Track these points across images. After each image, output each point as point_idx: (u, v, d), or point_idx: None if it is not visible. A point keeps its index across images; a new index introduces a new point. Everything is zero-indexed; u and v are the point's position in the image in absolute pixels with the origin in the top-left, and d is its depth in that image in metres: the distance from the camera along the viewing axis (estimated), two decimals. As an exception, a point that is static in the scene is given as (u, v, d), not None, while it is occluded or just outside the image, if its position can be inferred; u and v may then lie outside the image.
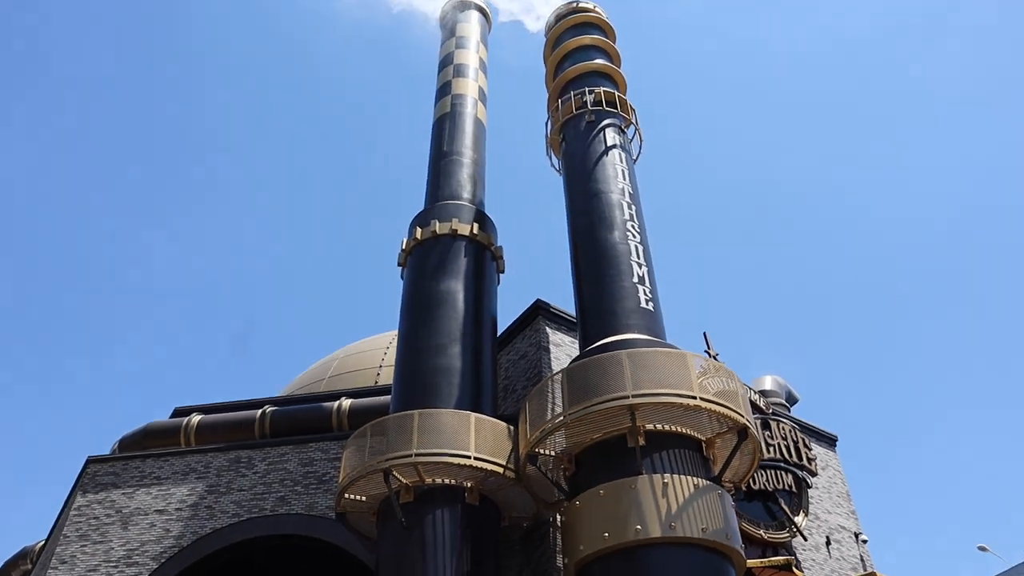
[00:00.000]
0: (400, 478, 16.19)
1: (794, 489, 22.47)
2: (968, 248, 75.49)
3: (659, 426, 15.13)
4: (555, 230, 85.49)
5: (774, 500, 21.86)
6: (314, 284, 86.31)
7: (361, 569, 19.98)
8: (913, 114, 78.56)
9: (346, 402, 23.61)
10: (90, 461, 24.26)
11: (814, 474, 24.18)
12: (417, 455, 15.88)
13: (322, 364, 32.01)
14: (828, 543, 24.55)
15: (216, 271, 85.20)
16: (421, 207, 23.05)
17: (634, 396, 14.55)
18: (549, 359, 20.64)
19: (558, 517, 17.88)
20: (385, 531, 16.61)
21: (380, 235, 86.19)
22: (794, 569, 18.51)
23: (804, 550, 22.70)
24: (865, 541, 26.16)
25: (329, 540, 19.86)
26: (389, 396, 23.14)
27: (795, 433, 23.16)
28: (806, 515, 22.98)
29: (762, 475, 21.60)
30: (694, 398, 14.72)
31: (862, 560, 25.20)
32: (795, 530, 21.59)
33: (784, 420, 23.43)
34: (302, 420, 23.64)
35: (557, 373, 16.24)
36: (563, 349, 21.26)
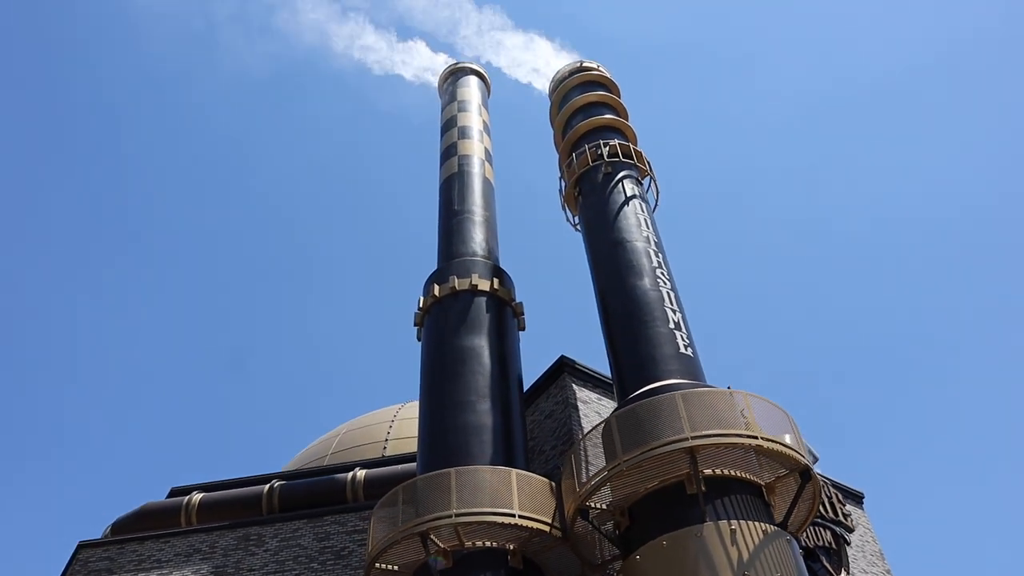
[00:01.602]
0: (438, 542, 14.99)
1: (834, 546, 21.45)
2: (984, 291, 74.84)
3: (718, 471, 14.19)
4: (568, 289, 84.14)
5: (815, 558, 20.75)
6: (309, 363, 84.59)
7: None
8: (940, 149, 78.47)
9: (360, 472, 22.34)
10: (81, 546, 22.57)
11: (851, 530, 23.19)
12: (457, 515, 14.74)
13: (324, 440, 30.64)
14: (868, 605, 23.41)
15: (204, 348, 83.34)
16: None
17: (693, 438, 13.68)
18: (579, 416, 19.70)
19: (604, 581, 16.74)
20: (422, 602, 15.33)
21: (371, 312, 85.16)
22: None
23: (847, 613, 21.49)
24: None
25: (352, 619, 18.41)
26: (404, 465, 22.09)
27: (828, 488, 22.26)
28: (848, 574, 21.90)
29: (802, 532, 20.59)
30: (755, 438, 13.88)
31: (903, 623, 24.02)
32: (839, 590, 20.49)
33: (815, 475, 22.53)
34: (314, 493, 22.26)
35: (601, 423, 15.33)
36: (591, 407, 20.34)
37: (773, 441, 13.99)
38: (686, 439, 13.68)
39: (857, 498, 27.01)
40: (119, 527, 24.22)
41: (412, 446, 25.20)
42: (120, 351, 79.50)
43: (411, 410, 30.74)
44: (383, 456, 26.67)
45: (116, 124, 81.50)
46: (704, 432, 13.75)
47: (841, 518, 22.58)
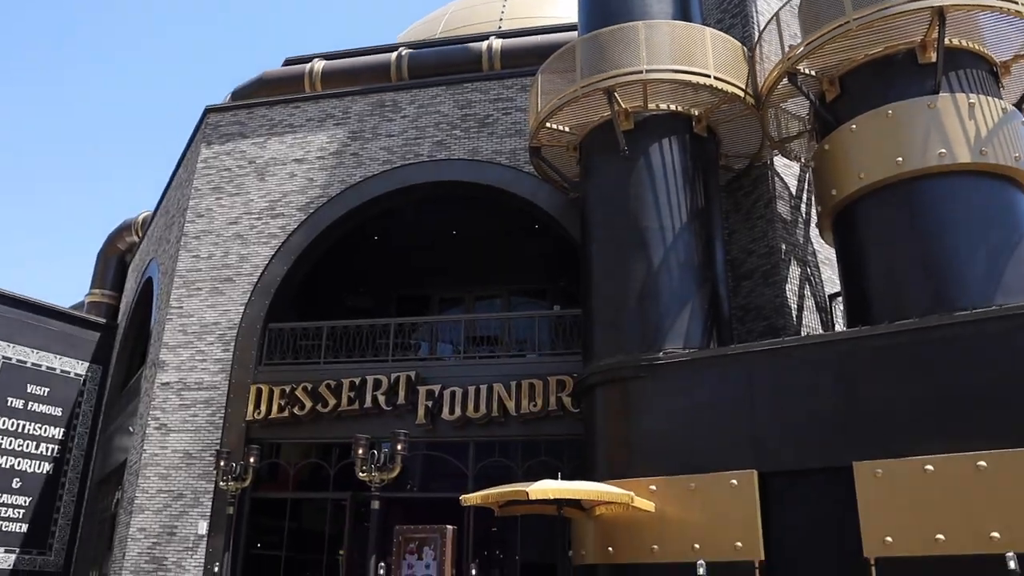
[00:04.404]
0: (621, 102, 13.87)
1: None
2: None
3: (954, 40, 12.39)
4: None
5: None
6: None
7: (532, 216, 18.35)
8: None
9: (496, 42, 20.73)
10: (208, 110, 22.04)
11: None
12: (648, 71, 13.43)
13: (430, 20, 28.57)
14: None
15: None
16: None
17: (946, -5, 11.69)
18: (753, -13, 17.48)
19: (773, 160, 15.85)
20: (595, 166, 14.60)
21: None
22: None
23: None
24: None
25: (501, 186, 17.98)
26: (546, 36, 20.53)
27: None
28: None
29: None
30: (1016, 1, 11.87)
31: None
32: None
33: None
34: (446, 64, 20.88)
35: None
36: (765, -22, 18.02)
37: (1032, 6, 11.97)
38: (936, -5, 11.69)
39: None
40: (239, 94, 23.58)
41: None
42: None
43: (527, -12, 28.25)
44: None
45: None
46: (957, -11, 11.73)
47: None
